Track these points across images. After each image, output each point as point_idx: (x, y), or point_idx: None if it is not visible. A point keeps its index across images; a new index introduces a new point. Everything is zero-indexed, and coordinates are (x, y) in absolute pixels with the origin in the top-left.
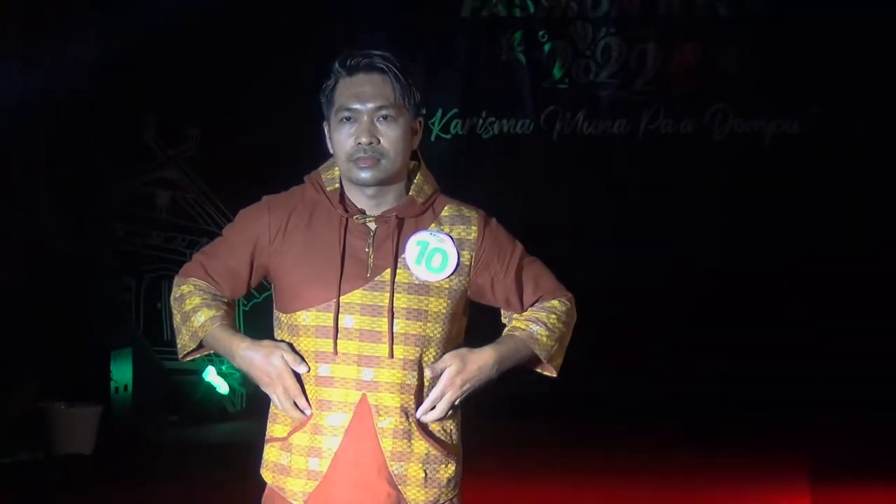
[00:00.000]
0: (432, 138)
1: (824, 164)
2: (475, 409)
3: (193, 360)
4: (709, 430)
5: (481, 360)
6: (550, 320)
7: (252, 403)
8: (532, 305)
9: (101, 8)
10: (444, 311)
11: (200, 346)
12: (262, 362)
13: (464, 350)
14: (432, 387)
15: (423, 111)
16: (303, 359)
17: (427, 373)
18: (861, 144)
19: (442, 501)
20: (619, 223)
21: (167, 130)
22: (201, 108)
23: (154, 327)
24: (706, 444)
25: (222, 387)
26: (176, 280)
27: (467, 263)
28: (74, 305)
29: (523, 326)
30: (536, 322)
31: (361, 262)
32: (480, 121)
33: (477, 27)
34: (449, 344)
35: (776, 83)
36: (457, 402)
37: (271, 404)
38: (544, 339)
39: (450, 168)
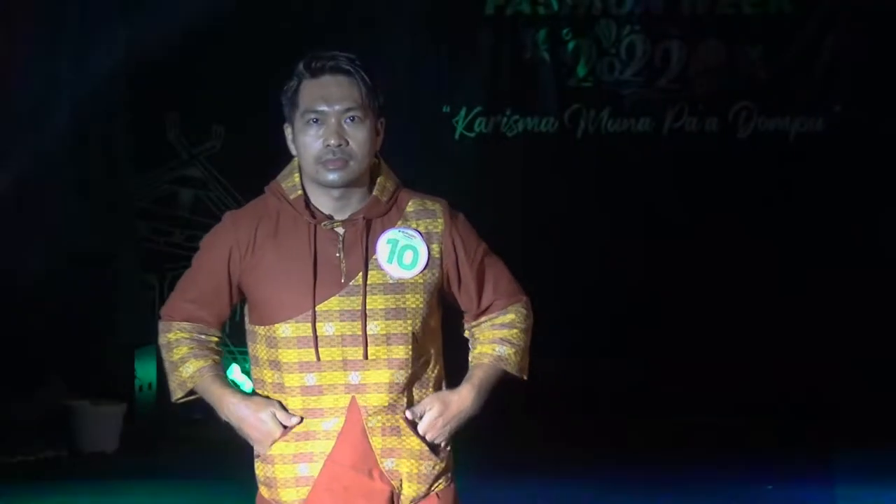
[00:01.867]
0: (456, 136)
1: (849, 163)
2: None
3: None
4: (724, 430)
5: (462, 402)
6: (513, 335)
7: None
8: (487, 310)
9: (126, 6)
10: (421, 306)
11: (191, 392)
12: (253, 419)
13: (444, 393)
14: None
15: (382, 116)
16: (291, 415)
17: (407, 414)
18: (886, 142)
19: (434, 492)
20: (644, 221)
21: (191, 129)
22: (225, 107)
23: None
24: (722, 443)
25: (246, 385)
26: (160, 324)
27: (437, 256)
28: (99, 304)
29: (489, 351)
30: (501, 343)
31: (334, 267)
32: (504, 119)
33: (501, 25)
34: (429, 336)
35: (800, 81)
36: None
37: None
38: (512, 356)
39: (474, 166)
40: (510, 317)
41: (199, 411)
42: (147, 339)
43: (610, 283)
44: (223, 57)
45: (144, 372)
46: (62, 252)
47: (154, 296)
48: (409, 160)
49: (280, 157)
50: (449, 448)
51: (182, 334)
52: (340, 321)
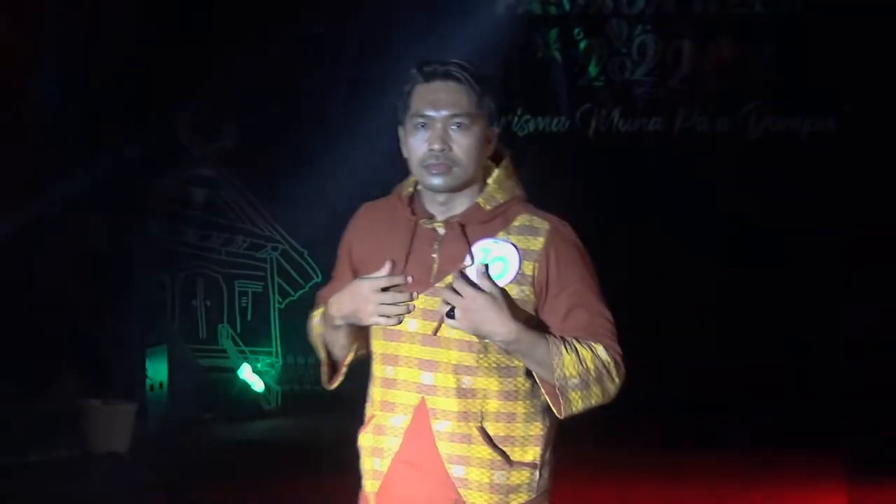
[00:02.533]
0: None
1: (860, 163)
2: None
3: (228, 357)
4: (740, 429)
5: (500, 318)
6: (583, 353)
7: (287, 401)
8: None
9: (136, 4)
10: None
11: (332, 363)
12: (350, 296)
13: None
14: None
15: (498, 121)
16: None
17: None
18: None
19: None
20: (655, 221)
21: (203, 128)
22: (237, 106)
23: (189, 325)
24: (740, 442)
25: (257, 384)
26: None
27: (530, 274)
28: (111, 303)
29: (557, 336)
30: (571, 343)
31: (427, 266)
32: (516, 118)
33: (512, 25)
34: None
35: (812, 81)
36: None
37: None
38: (567, 358)
39: None
40: (598, 346)
41: (210, 411)
42: (159, 338)
43: (620, 282)
44: (235, 56)
45: (156, 371)
46: (74, 251)
47: (166, 295)
48: None
49: (292, 155)
50: (537, 460)
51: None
52: (423, 319)
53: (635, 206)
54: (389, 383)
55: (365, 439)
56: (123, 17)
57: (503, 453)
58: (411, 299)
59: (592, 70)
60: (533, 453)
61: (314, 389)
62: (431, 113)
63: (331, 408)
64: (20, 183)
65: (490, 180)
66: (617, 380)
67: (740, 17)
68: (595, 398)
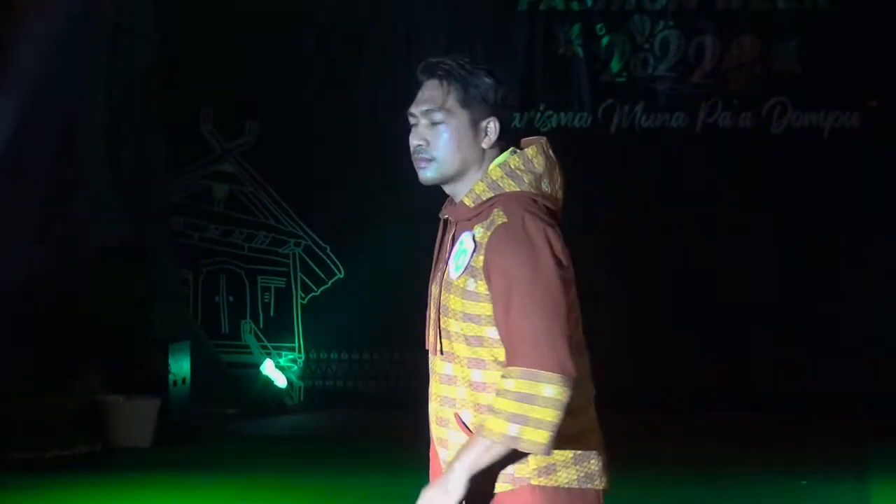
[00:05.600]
0: None
1: (883, 158)
2: None
3: (251, 352)
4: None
5: (436, 483)
6: (496, 403)
7: (309, 397)
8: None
9: (159, 2)
10: (457, 308)
11: None
12: None
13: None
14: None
15: (499, 110)
16: None
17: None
18: None
19: (498, 492)
20: (678, 216)
21: (225, 124)
22: (259, 102)
23: (212, 320)
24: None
25: (280, 380)
26: None
27: (479, 267)
28: (133, 299)
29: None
30: (488, 410)
31: (443, 258)
32: (538, 114)
33: (534, 21)
34: (485, 343)
35: (835, 76)
36: None
37: None
38: (489, 423)
39: None
40: (502, 383)
41: (233, 406)
42: (182, 333)
43: (642, 276)
44: (256, 53)
45: (178, 367)
46: (97, 247)
47: (188, 291)
48: None
49: (314, 151)
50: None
51: None
52: (434, 307)
53: (658, 202)
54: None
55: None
56: (147, 14)
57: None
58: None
59: (615, 66)
60: None
61: (336, 385)
62: (412, 110)
63: (353, 403)
64: (43, 180)
65: (485, 177)
66: (529, 384)
67: (763, 12)
68: (540, 416)
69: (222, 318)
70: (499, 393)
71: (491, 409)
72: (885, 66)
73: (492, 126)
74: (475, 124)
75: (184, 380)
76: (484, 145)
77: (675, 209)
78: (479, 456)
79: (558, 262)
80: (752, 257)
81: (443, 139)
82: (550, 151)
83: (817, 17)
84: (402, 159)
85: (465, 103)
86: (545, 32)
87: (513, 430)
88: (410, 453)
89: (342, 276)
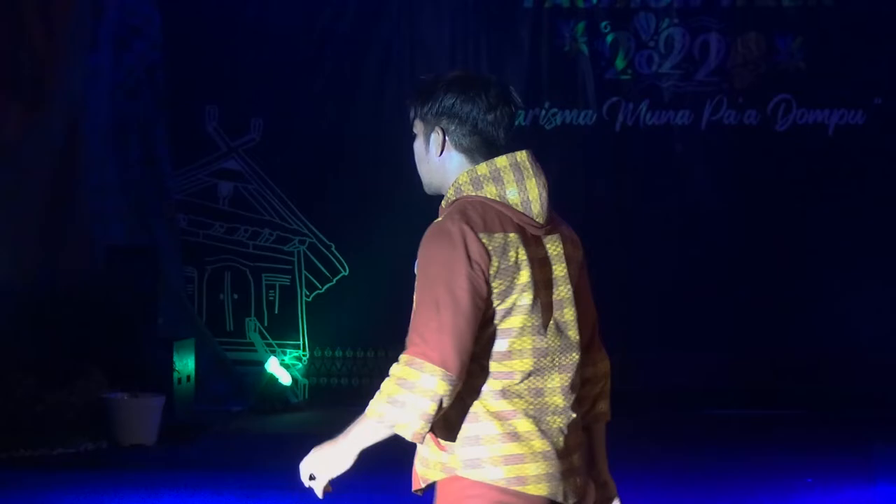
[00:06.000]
0: None
1: (888, 155)
2: None
3: (256, 350)
4: (764, 424)
5: (325, 448)
6: (382, 385)
7: (314, 395)
8: None
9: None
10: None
11: None
12: None
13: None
14: None
15: (439, 124)
16: None
17: None
18: None
19: (431, 480)
20: (683, 214)
21: (230, 122)
22: (264, 100)
23: (216, 318)
24: (763, 437)
25: (284, 378)
26: None
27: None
28: (138, 296)
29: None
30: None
31: None
32: (543, 112)
33: (539, 18)
34: None
35: (840, 73)
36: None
37: None
38: (372, 402)
39: None
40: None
41: (238, 404)
42: (186, 331)
43: (647, 274)
44: (261, 51)
45: (183, 365)
46: (102, 245)
47: (193, 288)
48: None
49: (319, 148)
50: (443, 440)
51: None
52: None
53: (663, 199)
54: None
55: None
56: (151, 12)
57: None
58: None
59: (619, 63)
60: (442, 433)
61: (341, 382)
62: None
63: (357, 401)
64: (49, 177)
65: (453, 182)
66: (405, 370)
67: (767, 9)
68: (414, 403)
69: (227, 315)
70: (387, 376)
71: (378, 391)
72: (890, 63)
73: (434, 136)
74: (427, 138)
75: (188, 377)
76: (436, 156)
77: (680, 207)
78: (366, 434)
79: (471, 264)
80: (756, 254)
81: (416, 154)
82: (529, 162)
83: (822, 14)
84: (406, 157)
85: (422, 119)
86: (550, 30)
87: (388, 412)
88: (414, 450)
89: (347, 273)
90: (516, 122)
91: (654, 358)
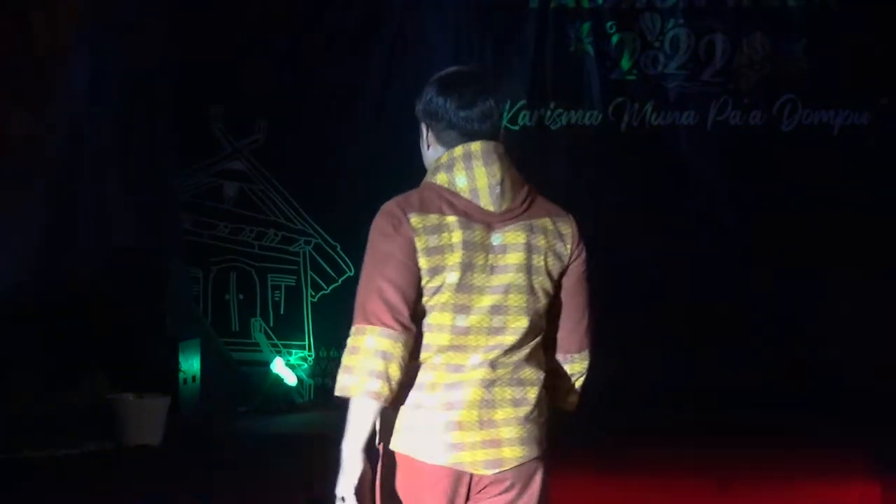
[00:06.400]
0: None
1: (893, 156)
2: None
3: (261, 350)
4: (768, 423)
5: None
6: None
7: (320, 395)
8: None
9: (171, 1)
10: None
11: None
12: None
13: None
14: None
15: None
16: None
17: None
18: None
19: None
20: (688, 214)
21: (235, 122)
22: (269, 100)
23: (222, 318)
24: (767, 437)
25: (290, 378)
26: None
27: None
28: (143, 297)
29: None
30: None
31: None
32: (548, 112)
33: (545, 18)
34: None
35: (845, 74)
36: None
37: None
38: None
39: (517, 159)
40: None
41: (243, 404)
42: (192, 332)
43: (652, 275)
44: (267, 51)
45: (189, 365)
46: (107, 246)
47: (199, 289)
48: None
49: (324, 149)
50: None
51: None
52: None
53: (668, 200)
54: None
55: None
56: (158, 12)
57: None
58: None
59: (625, 64)
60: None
61: None
62: None
63: None
64: (53, 178)
65: None
66: (353, 340)
67: (773, 10)
68: (361, 364)
69: (232, 316)
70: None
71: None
72: (895, 63)
73: (423, 131)
74: (421, 133)
75: (194, 378)
76: (425, 149)
77: (685, 207)
78: (351, 422)
79: (397, 234)
80: (760, 254)
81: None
82: (483, 152)
83: (827, 15)
84: (412, 157)
85: (417, 115)
86: (555, 30)
87: (344, 381)
88: None
89: (352, 274)
90: (501, 114)
91: (656, 358)
